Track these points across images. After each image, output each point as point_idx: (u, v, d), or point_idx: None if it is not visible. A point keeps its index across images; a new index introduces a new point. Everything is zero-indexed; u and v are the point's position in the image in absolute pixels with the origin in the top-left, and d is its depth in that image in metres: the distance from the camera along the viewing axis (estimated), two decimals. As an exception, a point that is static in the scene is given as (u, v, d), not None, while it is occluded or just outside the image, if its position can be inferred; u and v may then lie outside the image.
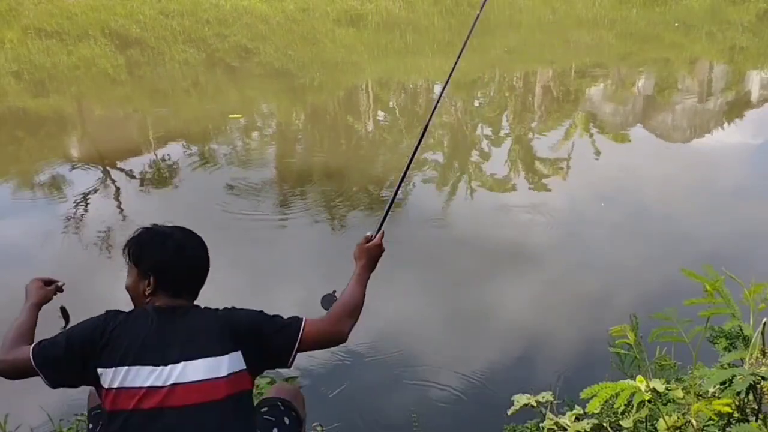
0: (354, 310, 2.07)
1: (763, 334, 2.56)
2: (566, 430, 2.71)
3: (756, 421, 2.31)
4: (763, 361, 2.63)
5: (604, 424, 2.66)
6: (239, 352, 1.86)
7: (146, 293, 1.94)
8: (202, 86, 10.28)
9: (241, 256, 4.76)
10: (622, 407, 2.29)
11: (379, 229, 2.33)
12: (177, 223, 2.11)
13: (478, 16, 2.94)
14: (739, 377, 2.14)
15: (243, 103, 9.33)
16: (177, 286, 1.95)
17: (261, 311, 1.99)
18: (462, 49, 2.80)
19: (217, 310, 1.97)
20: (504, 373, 3.52)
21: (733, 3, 15.02)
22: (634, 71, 11.01)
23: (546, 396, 2.89)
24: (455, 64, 2.78)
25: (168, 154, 6.89)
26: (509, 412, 2.87)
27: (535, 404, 2.87)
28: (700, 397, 2.52)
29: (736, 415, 2.36)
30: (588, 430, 2.67)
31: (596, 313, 4.01)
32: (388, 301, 4.21)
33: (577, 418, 2.76)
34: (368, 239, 2.28)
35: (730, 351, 2.45)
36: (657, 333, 2.45)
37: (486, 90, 10.16)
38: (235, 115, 8.24)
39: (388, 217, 2.42)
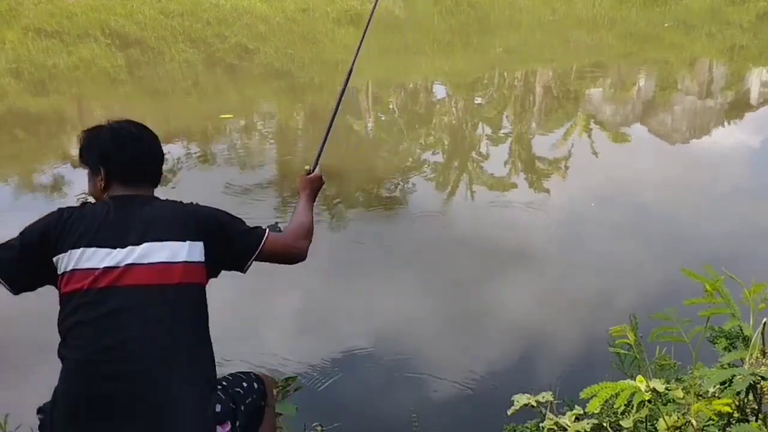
0: (308, 232, 2.20)
1: (763, 334, 2.56)
2: (566, 430, 2.71)
3: (756, 421, 2.31)
4: (763, 361, 2.63)
5: (604, 424, 2.66)
6: (201, 243, 1.87)
7: (101, 188, 1.95)
8: (202, 86, 10.28)
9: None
10: (622, 407, 2.29)
11: (316, 164, 2.53)
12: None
13: (373, 11, 2.98)
14: (739, 377, 2.14)
15: (243, 103, 9.34)
16: (128, 175, 1.96)
17: (226, 211, 2.03)
18: (362, 39, 2.91)
19: (181, 202, 1.99)
20: (504, 373, 3.52)
21: (733, 3, 15.03)
22: (634, 71, 11.01)
23: (546, 396, 2.89)
24: (357, 53, 2.90)
25: (167, 154, 6.88)
26: (509, 412, 2.87)
27: (535, 404, 2.87)
28: (700, 397, 2.52)
29: (736, 415, 2.36)
30: (588, 430, 2.67)
31: (596, 313, 4.01)
32: (388, 301, 4.22)
33: (577, 418, 2.76)
34: (309, 172, 2.47)
35: (730, 351, 2.45)
36: (657, 333, 2.45)
37: (486, 90, 10.16)
38: (226, 115, 8.23)
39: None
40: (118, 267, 1.76)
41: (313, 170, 2.50)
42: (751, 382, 2.12)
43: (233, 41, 12.33)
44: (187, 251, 1.84)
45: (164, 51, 11.60)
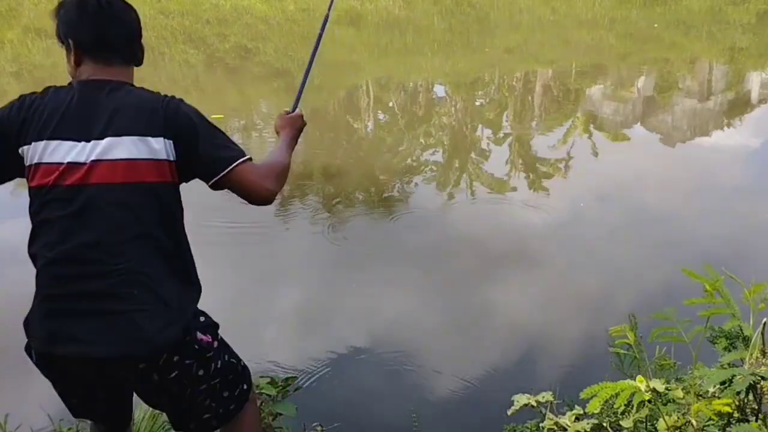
0: (282, 173, 1.98)
1: (763, 334, 2.56)
2: (566, 430, 2.71)
3: (756, 421, 2.31)
4: (763, 361, 2.63)
5: (604, 424, 2.66)
6: (171, 142, 1.74)
7: (75, 65, 1.83)
8: (202, 86, 10.28)
9: (239, 258, 4.76)
10: (622, 407, 2.29)
11: (296, 104, 2.32)
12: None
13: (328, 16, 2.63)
14: (739, 377, 2.14)
15: (243, 102, 9.34)
16: (97, 48, 1.80)
17: (210, 121, 1.87)
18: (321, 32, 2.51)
19: (159, 93, 1.82)
20: (504, 373, 3.52)
21: (733, 3, 15.03)
22: (634, 71, 11.02)
23: (546, 396, 2.89)
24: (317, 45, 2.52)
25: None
26: (509, 412, 2.87)
27: (535, 404, 2.87)
28: (700, 397, 2.52)
29: (736, 415, 2.36)
30: (588, 430, 2.67)
31: (596, 313, 4.01)
32: (388, 301, 4.22)
33: (577, 418, 2.76)
34: (288, 113, 2.26)
35: (730, 351, 2.46)
36: (657, 333, 2.45)
37: (486, 90, 10.16)
38: (216, 116, 8.17)
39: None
40: (84, 163, 1.68)
41: (294, 110, 2.29)
42: (751, 382, 2.12)
43: (233, 41, 12.34)
44: (153, 148, 1.71)
45: (164, 51, 11.61)
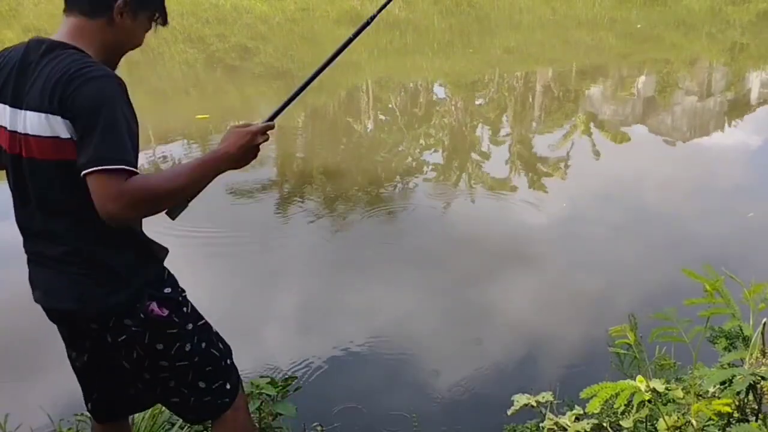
0: (147, 199, 1.62)
1: (763, 334, 2.57)
2: (566, 430, 2.71)
3: (756, 421, 2.31)
4: (763, 361, 2.64)
5: (604, 424, 2.66)
6: (68, 122, 1.60)
7: None
8: (201, 86, 10.28)
9: (238, 258, 4.75)
10: (622, 407, 2.29)
11: (271, 117, 1.90)
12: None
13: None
14: (739, 377, 2.14)
15: (242, 102, 9.34)
16: None
17: (115, 113, 1.63)
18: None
19: (76, 64, 1.62)
20: (504, 373, 3.52)
21: (733, 3, 15.03)
22: (634, 71, 11.01)
23: (546, 396, 2.90)
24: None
25: (168, 155, 6.89)
26: (509, 412, 2.87)
27: (535, 404, 2.87)
28: (700, 397, 2.52)
29: (736, 415, 2.36)
30: (588, 430, 2.67)
31: (596, 313, 4.01)
32: (388, 301, 4.22)
33: (577, 418, 2.76)
34: (247, 125, 1.84)
35: (730, 351, 2.46)
36: (657, 333, 2.45)
37: (486, 90, 10.16)
38: (202, 116, 8.14)
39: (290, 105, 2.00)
40: (18, 133, 1.67)
41: (268, 120, 1.88)
42: (751, 382, 2.12)
43: (233, 41, 12.34)
44: (54, 127, 1.61)
45: (164, 51, 11.60)
